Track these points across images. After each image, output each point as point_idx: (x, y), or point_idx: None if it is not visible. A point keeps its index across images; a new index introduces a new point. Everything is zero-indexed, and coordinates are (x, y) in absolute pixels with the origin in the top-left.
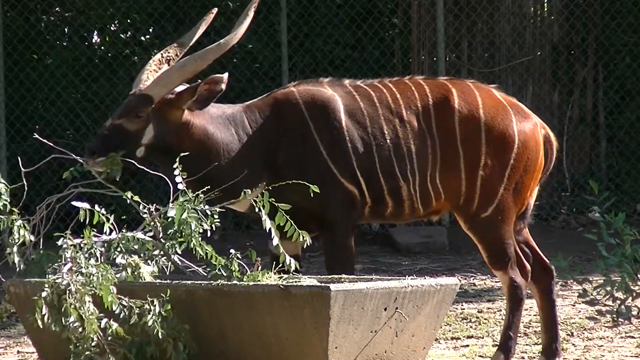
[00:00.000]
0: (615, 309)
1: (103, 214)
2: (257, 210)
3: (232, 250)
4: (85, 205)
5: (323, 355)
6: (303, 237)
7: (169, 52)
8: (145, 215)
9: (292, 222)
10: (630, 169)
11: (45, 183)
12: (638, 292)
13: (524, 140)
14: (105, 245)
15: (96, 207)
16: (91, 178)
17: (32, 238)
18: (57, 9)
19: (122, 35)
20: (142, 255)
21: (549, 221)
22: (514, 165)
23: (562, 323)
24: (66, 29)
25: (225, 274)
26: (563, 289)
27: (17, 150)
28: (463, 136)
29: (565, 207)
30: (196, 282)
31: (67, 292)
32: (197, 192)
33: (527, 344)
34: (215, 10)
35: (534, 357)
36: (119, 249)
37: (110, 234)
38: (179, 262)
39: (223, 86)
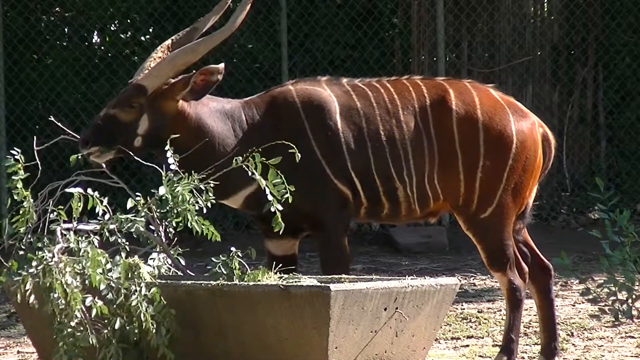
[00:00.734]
0: (617, 308)
1: (97, 197)
2: (250, 174)
3: (232, 249)
4: (78, 190)
5: (323, 355)
6: (287, 194)
7: (180, 37)
8: (138, 199)
9: (283, 178)
10: (630, 169)
11: (45, 183)
12: (639, 294)
13: (522, 140)
14: (99, 227)
15: (89, 190)
16: (95, 169)
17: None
18: (57, 9)
19: (122, 35)
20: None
21: (549, 221)
22: (512, 166)
23: (562, 323)
24: (66, 29)
25: (225, 273)
26: (563, 289)
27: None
28: (461, 137)
29: (565, 207)
30: (196, 282)
31: (55, 267)
32: (190, 172)
33: (527, 344)
34: None
35: (534, 357)
36: (111, 230)
37: (104, 216)
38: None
39: (219, 77)
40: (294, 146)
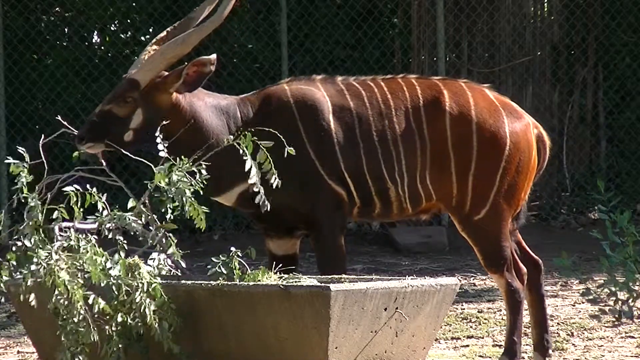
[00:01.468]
0: (618, 308)
1: (95, 194)
2: (241, 152)
3: (232, 248)
4: (75, 187)
5: (323, 355)
6: (274, 176)
7: (175, 29)
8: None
9: (271, 160)
10: (630, 169)
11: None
12: (639, 294)
13: (515, 142)
14: (97, 224)
15: (87, 186)
16: (95, 165)
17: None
18: (57, 9)
19: (122, 35)
20: (131, 232)
21: (549, 221)
22: (505, 167)
23: (562, 323)
24: (66, 29)
25: (225, 272)
26: (563, 289)
27: (17, 150)
28: (454, 138)
29: (565, 207)
30: (196, 282)
31: (56, 265)
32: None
33: (527, 344)
34: None
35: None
36: (109, 227)
37: (102, 213)
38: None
39: (212, 67)
40: (287, 146)
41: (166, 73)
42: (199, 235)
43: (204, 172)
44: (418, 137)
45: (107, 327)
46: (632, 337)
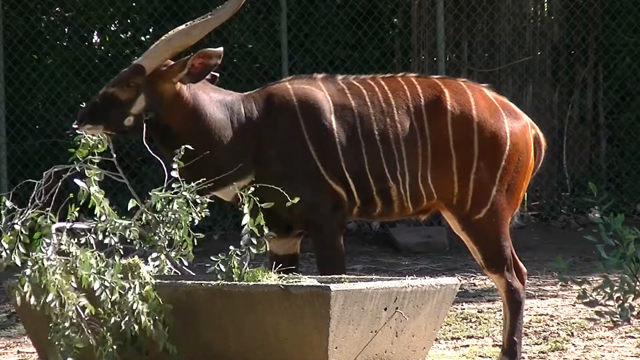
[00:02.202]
0: (614, 310)
1: (98, 196)
2: (239, 205)
3: (231, 247)
4: (82, 184)
5: (323, 355)
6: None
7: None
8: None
9: (264, 222)
10: (630, 169)
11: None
12: (639, 292)
13: (514, 142)
14: (94, 228)
15: (92, 188)
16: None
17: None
18: (57, 9)
19: (122, 35)
20: (130, 241)
21: (549, 221)
22: (505, 167)
23: (562, 323)
24: (66, 29)
25: (223, 271)
26: (563, 289)
27: (17, 150)
28: (455, 137)
29: (565, 207)
30: (196, 282)
31: (48, 269)
32: (190, 182)
33: (527, 344)
34: None
35: (534, 357)
36: (106, 233)
37: (100, 217)
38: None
39: (218, 61)
40: (289, 143)
41: (172, 62)
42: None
43: (205, 204)
44: (419, 136)
45: (101, 329)
46: (632, 337)
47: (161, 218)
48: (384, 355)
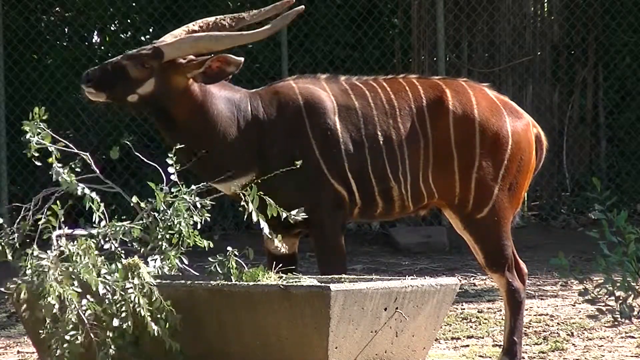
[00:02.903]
0: (616, 308)
1: (97, 201)
2: (242, 203)
3: (229, 248)
4: (87, 192)
5: (323, 355)
6: (293, 214)
7: (224, 20)
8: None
9: (278, 209)
10: (630, 169)
11: (46, 183)
12: (639, 292)
13: (517, 141)
14: (95, 233)
15: (94, 194)
16: (91, 173)
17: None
18: (57, 9)
19: (122, 35)
20: (130, 245)
21: (549, 221)
22: (507, 166)
23: (562, 323)
24: (66, 29)
25: (221, 272)
26: (563, 289)
27: (17, 150)
28: (457, 137)
29: (565, 207)
30: (196, 281)
31: (51, 274)
32: (196, 176)
33: (527, 344)
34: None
35: (534, 357)
36: (107, 238)
37: (100, 223)
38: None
39: (235, 70)
40: (294, 143)
41: (191, 57)
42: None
43: (207, 207)
44: (422, 137)
45: (101, 332)
46: (632, 337)
47: (162, 223)
48: (384, 355)
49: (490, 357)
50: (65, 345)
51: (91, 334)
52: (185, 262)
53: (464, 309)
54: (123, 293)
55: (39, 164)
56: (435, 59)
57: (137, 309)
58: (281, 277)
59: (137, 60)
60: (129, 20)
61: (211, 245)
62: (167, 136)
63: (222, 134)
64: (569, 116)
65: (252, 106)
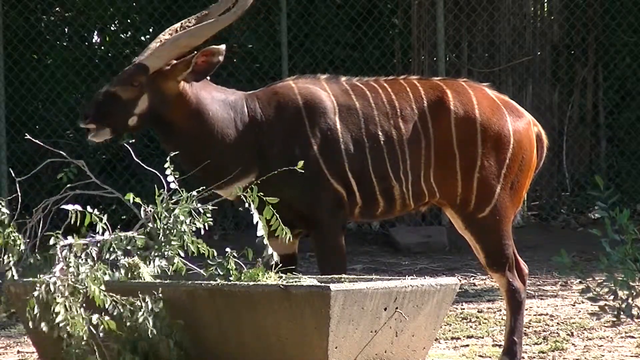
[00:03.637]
0: (617, 306)
1: (96, 215)
2: (246, 205)
3: (228, 249)
4: (76, 207)
5: (323, 355)
6: (285, 232)
7: (189, 22)
8: (144, 214)
9: (277, 216)
10: (630, 169)
11: (46, 183)
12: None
13: (518, 140)
14: (99, 245)
15: (88, 208)
16: (87, 179)
17: (23, 246)
18: (57, 9)
19: (122, 35)
20: (136, 254)
21: (549, 221)
22: (509, 165)
23: (562, 323)
24: (66, 29)
25: (221, 273)
26: (563, 289)
27: (17, 150)
28: (459, 137)
29: (565, 207)
30: (196, 282)
31: (57, 291)
32: (192, 187)
33: (527, 344)
34: None
35: (534, 357)
36: (111, 249)
37: (103, 234)
38: (176, 260)
39: (220, 58)
40: (293, 143)
41: (175, 62)
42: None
43: (209, 214)
44: (423, 137)
45: (114, 345)
46: (632, 337)
47: (164, 231)
48: (383, 355)
49: (490, 357)
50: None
51: (99, 350)
52: (189, 265)
53: (464, 309)
54: (132, 309)
55: None
56: (435, 59)
57: (147, 329)
58: (281, 277)
59: (125, 82)
60: (129, 20)
61: (214, 253)
62: (170, 146)
63: (220, 135)
64: (569, 116)
65: (249, 107)
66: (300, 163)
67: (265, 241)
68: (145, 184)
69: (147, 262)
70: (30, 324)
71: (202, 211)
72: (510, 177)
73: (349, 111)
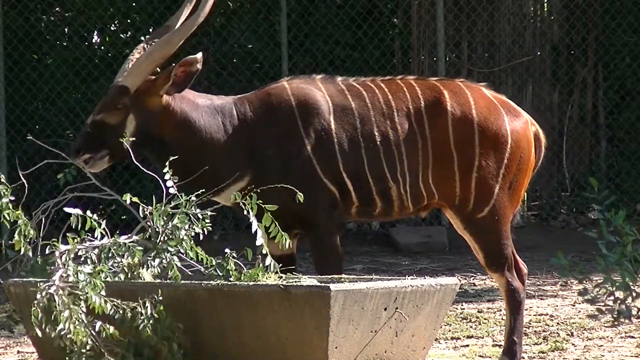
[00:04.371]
0: (615, 308)
1: (95, 220)
2: (245, 212)
3: (227, 250)
4: (77, 211)
5: (323, 355)
6: (285, 239)
7: (154, 38)
8: (143, 216)
9: (276, 223)
10: (630, 169)
11: (46, 183)
12: (638, 292)
13: (516, 140)
14: (97, 250)
15: (88, 212)
16: (87, 180)
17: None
18: (57, 9)
19: (122, 35)
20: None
21: (549, 221)
22: (507, 165)
23: (562, 323)
24: (66, 29)
25: (221, 274)
26: (563, 289)
27: (17, 150)
28: (456, 137)
29: (565, 207)
30: (196, 282)
31: (56, 298)
32: (192, 190)
33: (527, 344)
34: None
35: (534, 357)
36: (110, 254)
37: (102, 239)
38: (175, 265)
39: (199, 66)
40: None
41: (153, 77)
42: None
43: (207, 219)
44: (420, 138)
45: (119, 350)
46: (632, 337)
47: (164, 237)
48: (383, 355)
49: (490, 357)
50: None
51: (107, 354)
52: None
53: (463, 309)
54: (133, 314)
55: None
56: (435, 59)
57: (147, 332)
58: (281, 277)
59: (109, 107)
60: (129, 20)
61: (213, 262)
62: (162, 163)
63: (210, 141)
64: (568, 116)
65: (239, 111)
66: (296, 163)
67: (265, 250)
68: (145, 184)
69: (146, 268)
70: (38, 331)
71: (200, 217)
72: (509, 177)
73: (344, 111)
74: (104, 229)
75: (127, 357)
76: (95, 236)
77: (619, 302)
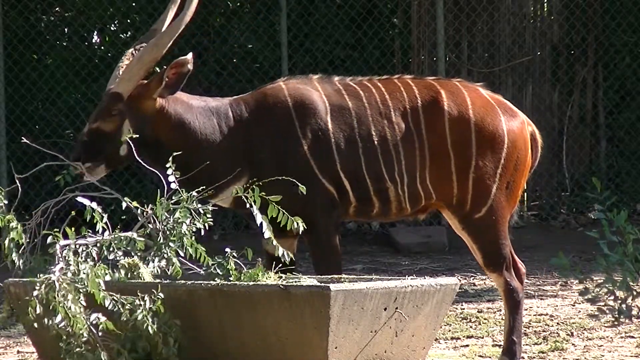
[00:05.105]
0: (616, 308)
1: (99, 213)
2: (248, 205)
3: (227, 250)
4: (91, 203)
5: (323, 355)
6: (297, 223)
7: (141, 43)
8: (141, 215)
9: (283, 211)
10: (630, 169)
11: (46, 183)
12: (639, 292)
13: (513, 140)
14: (98, 244)
15: (94, 204)
16: (87, 180)
17: (24, 240)
18: (57, 9)
19: (122, 35)
20: (135, 254)
21: (549, 221)
22: (504, 165)
23: (562, 323)
24: (66, 29)
25: (221, 273)
26: (563, 289)
27: (17, 150)
28: (453, 137)
29: (565, 207)
30: (196, 282)
31: (56, 290)
32: (189, 192)
33: (527, 344)
34: None
35: (534, 357)
36: (111, 249)
37: (103, 233)
38: (175, 262)
39: (190, 67)
40: (282, 143)
41: (145, 82)
42: (199, 235)
43: (209, 214)
44: (417, 137)
45: (114, 345)
46: (632, 337)
47: (166, 232)
48: (383, 355)
49: (490, 357)
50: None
51: (100, 349)
52: (189, 264)
53: (463, 309)
54: (131, 307)
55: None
56: (435, 59)
57: (146, 327)
58: (281, 277)
59: (104, 115)
60: (129, 20)
61: (210, 262)
62: (160, 166)
63: (206, 142)
64: (568, 116)
65: (235, 112)
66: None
67: (275, 242)
68: (145, 184)
69: (146, 263)
70: (34, 323)
71: (202, 212)
72: (506, 176)
73: (341, 111)
74: (105, 222)
75: (123, 352)
76: (97, 230)
77: (619, 301)
